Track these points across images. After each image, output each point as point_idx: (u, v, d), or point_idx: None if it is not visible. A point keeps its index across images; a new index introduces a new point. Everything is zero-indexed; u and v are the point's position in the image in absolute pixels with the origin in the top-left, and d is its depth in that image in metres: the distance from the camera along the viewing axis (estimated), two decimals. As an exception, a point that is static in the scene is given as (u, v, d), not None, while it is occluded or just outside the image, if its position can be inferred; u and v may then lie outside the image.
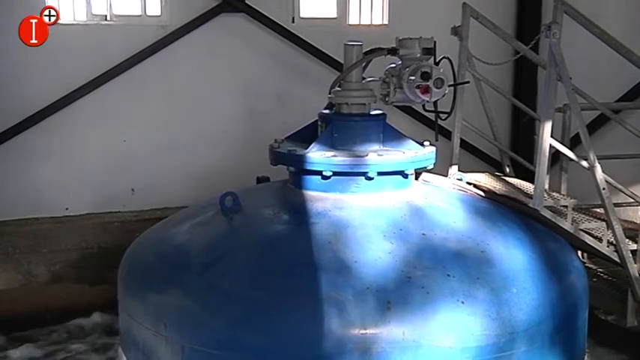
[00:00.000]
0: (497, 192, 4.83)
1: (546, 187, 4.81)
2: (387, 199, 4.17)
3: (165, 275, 3.98)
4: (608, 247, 4.80)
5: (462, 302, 3.58)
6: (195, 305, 3.76)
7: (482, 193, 4.81)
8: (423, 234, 3.92)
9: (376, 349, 3.43)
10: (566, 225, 4.60)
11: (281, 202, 4.44)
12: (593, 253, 5.12)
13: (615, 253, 4.79)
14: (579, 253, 5.11)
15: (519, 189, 4.97)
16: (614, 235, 4.72)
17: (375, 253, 3.75)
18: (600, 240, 4.79)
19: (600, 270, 5.43)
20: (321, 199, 4.16)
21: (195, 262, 3.95)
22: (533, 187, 4.62)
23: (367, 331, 3.44)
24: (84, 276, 7.28)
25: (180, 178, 7.94)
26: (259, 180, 4.91)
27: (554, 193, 4.98)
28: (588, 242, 4.73)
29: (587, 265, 5.26)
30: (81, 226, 7.50)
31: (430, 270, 3.69)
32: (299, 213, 4.10)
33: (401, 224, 3.98)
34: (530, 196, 4.62)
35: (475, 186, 4.92)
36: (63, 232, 7.39)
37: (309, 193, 4.23)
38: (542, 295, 3.82)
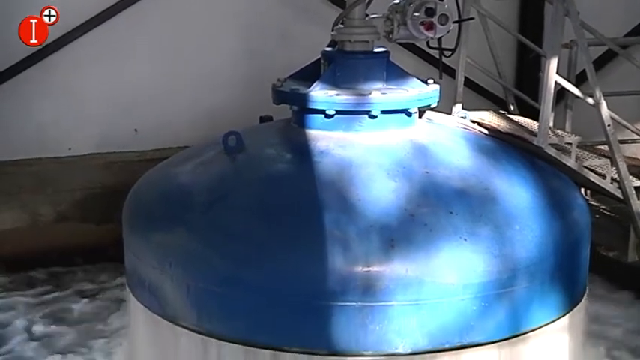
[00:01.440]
0: (502, 130, 4.80)
1: (551, 124, 4.78)
2: (391, 138, 4.16)
3: (170, 214, 4.01)
4: (611, 184, 4.80)
5: (465, 239, 3.61)
6: (199, 244, 3.79)
7: (486, 131, 4.79)
8: (427, 172, 3.92)
9: (380, 286, 3.47)
10: (570, 162, 4.60)
11: (284, 142, 4.43)
12: (597, 191, 5.13)
13: (619, 190, 4.79)
14: (582, 190, 5.12)
15: (524, 127, 4.94)
16: (618, 171, 4.72)
17: (379, 191, 3.76)
18: (604, 177, 4.79)
19: (603, 207, 5.44)
20: (324, 137, 4.14)
21: (199, 201, 3.96)
22: (538, 124, 4.59)
23: (371, 269, 3.48)
24: (89, 216, 7.34)
25: (183, 118, 7.92)
26: (262, 119, 4.89)
27: (558, 131, 4.96)
28: (592, 179, 4.73)
29: (590, 202, 5.27)
30: (84, 166, 7.53)
31: (433, 208, 3.70)
32: (302, 152, 4.09)
33: (404, 162, 3.97)
34: (534, 134, 4.60)
35: (479, 124, 4.90)
36: (67, 172, 7.42)
37: (312, 132, 4.21)
38: (544, 232, 3.85)
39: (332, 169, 3.90)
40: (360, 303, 3.48)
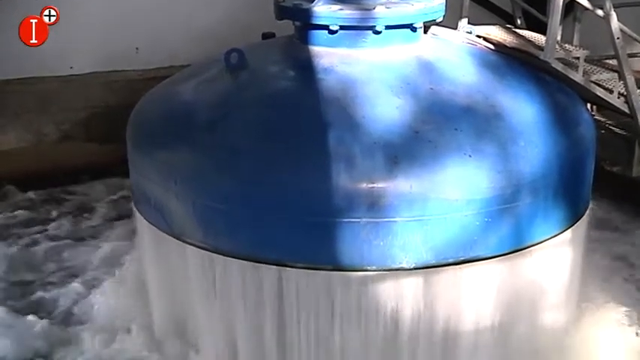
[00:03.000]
0: (508, 45, 4.73)
1: (558, 38, 4.70)
2: (395, 54, 4.10)
3: (173, 132, 4.00)
4: (618, 98, 4.76)
5: (470, 156, 3.60)
6: (203, 161, 3.80)
7: (492, 47, 4.72)
8: (431, 88, 3.89)
9: (384, 203, 3.49)
10: (577, 77, 4.54)
11: (287, 58, 4.38)
12: (603, 105, 5.09)
13: (625, 105, 4.76)
14: (589, 105, 5.09)
15: (530, 41, 4.86)
16: (626, 85, 4.67)
17: (383, 108, 3.74)
18: (611, 91, 4.75)
19: (609, 122, 5.42)
20: (328, 54, 4.09)
21: (203, 118, 3.95)
22: (545, 38, 4.51)
23: (375, 185, 3.49)
24: (93, 135, 7.34)
25: (184, 36, 7.79)
26: (265, 36, 4.82)
27: (566, 45, 4.87)
28: (599, 94, 4.69)
29: (596, 117, 5.24)
30: (87, 85, 7.47)
31: (438, 124, 3.69)
32: (306, 69, 4.05)
33: (409, 79, 3.93)
34: (541, 49, 4.53)
35: (485, 39, 4.81)
36: (69, 91, 7.37)
37: (316, 49, 4.15)
38: (549, 147, 3.84)
39: (336, 85, 3.87)
40: (364, 219, 3.51)
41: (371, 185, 3.49)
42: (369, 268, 3.60)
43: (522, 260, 3.83)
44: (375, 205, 3.49)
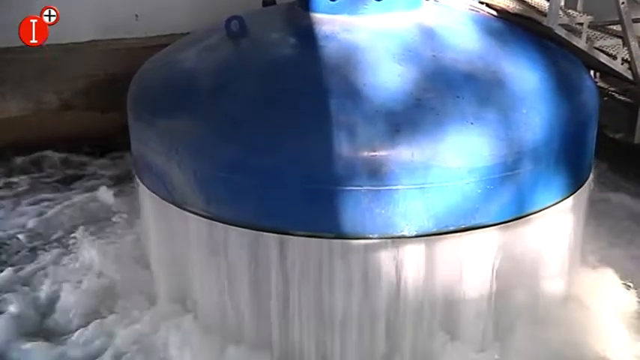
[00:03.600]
0: (511, 11, 4.68)
1: (562, 4, 4.65)
2: (397, 21, 4.06)
3: (175, 101, 3.99)
4: (622, 64, 4.72)
5: (472, 123, 3.59)
6: (204, 130, 3.79)
7: (495, 13, 4.68)
8: (434, 56, 3.86)
9: (385, 171, 3.49)
10: (581, 43, 4.50)
11: (288, 26, 4.34)
12: (607, 72, 5.05)
13: (629, 71, 4.72)
14: (592, 72, 5.05)
15: (534, 7, 4.81)
16: (630, 52, 4.63)
17: (385, 75, 3.71)
18: (615, 58, 4.71)
19: (612, 89, 5.39)
20: (329, 21, 4.05)
21: (204, 87, 3.93)
22: (548, 4, 4.47)
23: (376, 154, 3.48)
24: (94, 104, 7.31)
25: (184, 3, 7.72)
26: (265, 3, 4.78)
27: (569, 11, 4.82)
28: (602, 60, 4.65)
29: (599, 84, 5.21)
30: (87, 53, 7.41)
31: (440, 92, 3.67)
32: (307, 36, 4.02)
33: (411, 46, 3.90)
34: (544, 15, 4.48)
35: (488, 5, 4.77)
36: (69, 59, 7.32)
37: (317, 16, 4.12)
38: (551, 115, 3.82)
39: (337, 53, 3.84)
40: (366, 187, 3.51)
41: (372, 153, 3.48)
42: (370, 236, 3.61)
43: (522, 228, 3.84)
44: (376, 173, 3.49)
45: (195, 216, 3.86)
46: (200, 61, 4.17)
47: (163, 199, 4.04)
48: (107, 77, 7.28)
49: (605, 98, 5.24)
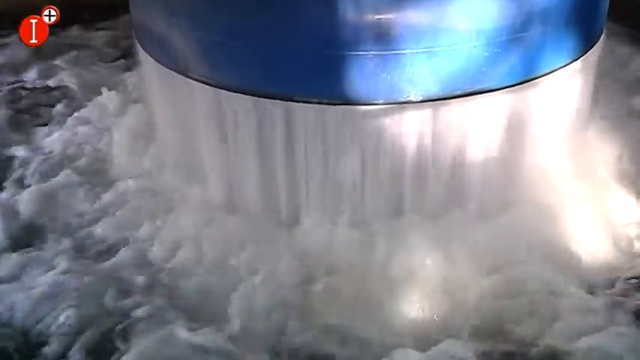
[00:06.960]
0: None
1: None
2: None
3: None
4: None
5: (480, -15, 3.47)
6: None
7: None
8: None
9: (392, 35, 3.41)
10: None
11: None
12: None
13: None
14: None
15: None
16: None
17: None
18: None
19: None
20: None
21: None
22: None
23: (382, 17, 3.39)
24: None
25: None
26: None
27: None
28: None
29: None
30: None
31: (448, -50, 3.52)
32: None
33: None
34: None
35: None
36: None
37: None
38: (563, -28, 3.69)
39: None
40: (372, 52, 3.45)
41: (378, 16, 3.39)
42: (376, 101, 3.58)
43: (529, 91, 3.80)
44: (382, 37, 3.41)
45: (199, 83, 3.82)
46: None
47: (166, 66, 3.99)
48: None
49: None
